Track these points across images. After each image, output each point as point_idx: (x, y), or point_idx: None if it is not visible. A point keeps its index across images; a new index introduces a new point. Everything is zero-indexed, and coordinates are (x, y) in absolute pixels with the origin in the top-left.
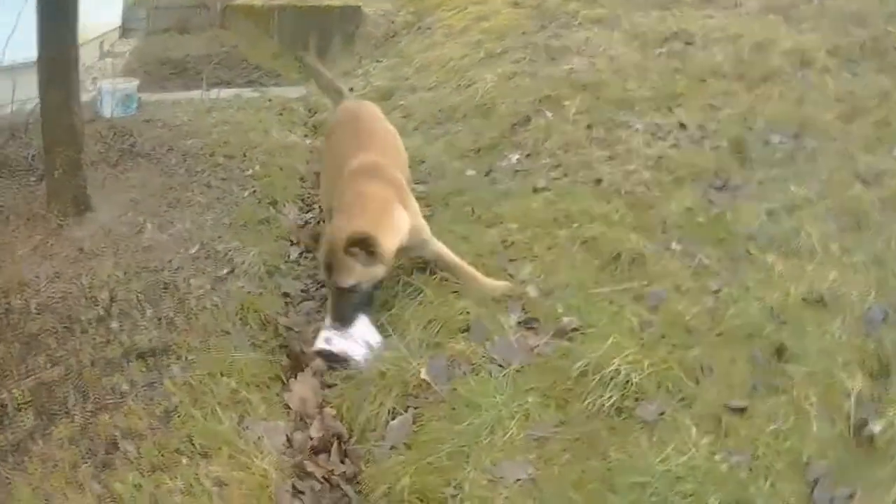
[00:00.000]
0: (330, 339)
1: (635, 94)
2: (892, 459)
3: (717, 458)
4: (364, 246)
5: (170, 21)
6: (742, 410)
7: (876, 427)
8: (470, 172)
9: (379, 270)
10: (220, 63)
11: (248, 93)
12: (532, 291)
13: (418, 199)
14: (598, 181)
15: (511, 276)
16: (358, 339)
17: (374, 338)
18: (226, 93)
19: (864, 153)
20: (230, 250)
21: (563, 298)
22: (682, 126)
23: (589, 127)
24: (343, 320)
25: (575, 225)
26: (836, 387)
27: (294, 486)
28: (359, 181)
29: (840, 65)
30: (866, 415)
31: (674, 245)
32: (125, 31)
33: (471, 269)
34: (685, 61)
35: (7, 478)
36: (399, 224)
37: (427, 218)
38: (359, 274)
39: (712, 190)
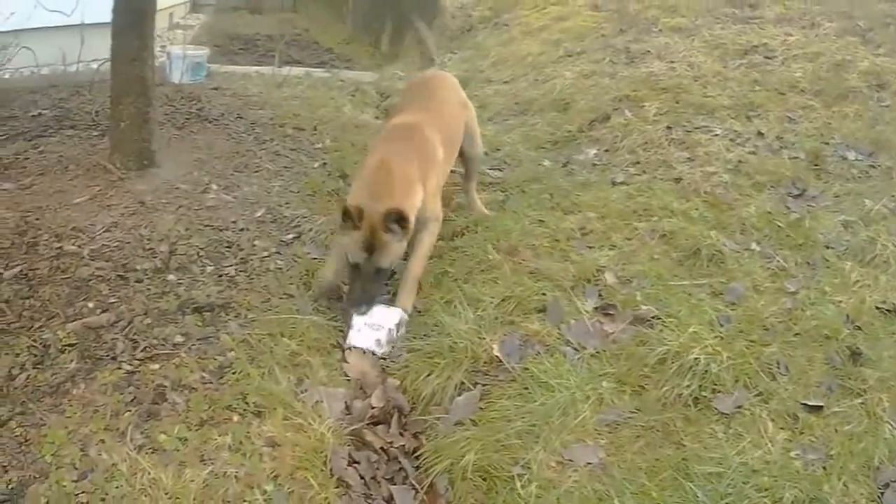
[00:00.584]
0: (360, 330)
1: (714, 101)
2: None
3: (792, 454)
4: (400, 222)
5: (241, 0)
6: (818, 409)
7: None
8: (546, 163)
9: (405, 246)
10: (291, 43)
11: (319, 72)
12: (610, 278)
13: (494, 184)
14: (678, 180)
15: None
16: (376, 326)
17: (392, 319)
18: (296, 70)
19: None
20: (297, 217)
21: (642, 288)
22: (761, 134)
23: (668, 128)
24: (371, 302)
25: (654, 218)
26: None
27: (350, 455)
28: (386, 144)
29: None
30: None
31: (753, 245)
32: (195, 5)
33: (412, 282)
34: (764, 74)
35: (42, 419)
36: (416, 200)
37: (501, 202)
38: (395, 251)
39: (790, 197)
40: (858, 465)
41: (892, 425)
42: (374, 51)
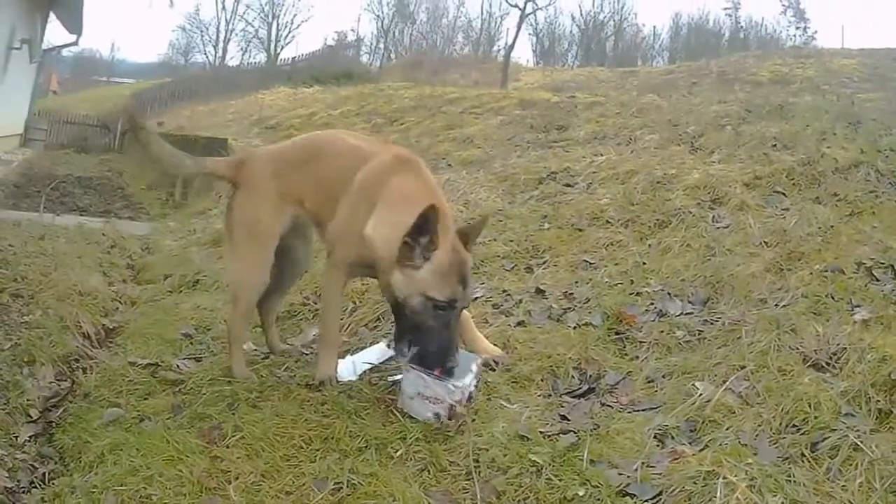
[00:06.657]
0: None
1: (489, 250)
2: None
3: None
4: None
5: (70, 137)
6: None
7: None
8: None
9: None
10: (93, 187)
11: (93, 222)
12: None
13: (176, 383)
14: None
15: None
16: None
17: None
18: (68, 220)
19: (808, 321)
20: None
21: None
22: (540, 292)
23: None
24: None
25: None
26: None
27: None
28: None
29: (762, 198)
30: None
31: None
32: (27, 140)
33: None
34: (558, 206)
35: None
36: None
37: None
38: None
39: (567, 398)
40: None
41: None
42: (169, 198)
